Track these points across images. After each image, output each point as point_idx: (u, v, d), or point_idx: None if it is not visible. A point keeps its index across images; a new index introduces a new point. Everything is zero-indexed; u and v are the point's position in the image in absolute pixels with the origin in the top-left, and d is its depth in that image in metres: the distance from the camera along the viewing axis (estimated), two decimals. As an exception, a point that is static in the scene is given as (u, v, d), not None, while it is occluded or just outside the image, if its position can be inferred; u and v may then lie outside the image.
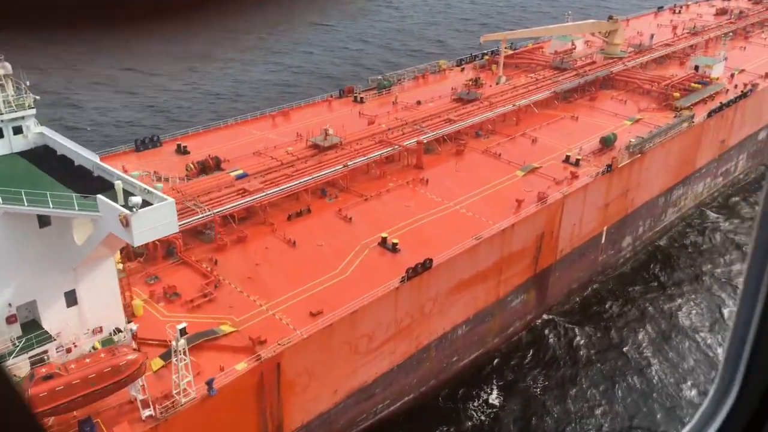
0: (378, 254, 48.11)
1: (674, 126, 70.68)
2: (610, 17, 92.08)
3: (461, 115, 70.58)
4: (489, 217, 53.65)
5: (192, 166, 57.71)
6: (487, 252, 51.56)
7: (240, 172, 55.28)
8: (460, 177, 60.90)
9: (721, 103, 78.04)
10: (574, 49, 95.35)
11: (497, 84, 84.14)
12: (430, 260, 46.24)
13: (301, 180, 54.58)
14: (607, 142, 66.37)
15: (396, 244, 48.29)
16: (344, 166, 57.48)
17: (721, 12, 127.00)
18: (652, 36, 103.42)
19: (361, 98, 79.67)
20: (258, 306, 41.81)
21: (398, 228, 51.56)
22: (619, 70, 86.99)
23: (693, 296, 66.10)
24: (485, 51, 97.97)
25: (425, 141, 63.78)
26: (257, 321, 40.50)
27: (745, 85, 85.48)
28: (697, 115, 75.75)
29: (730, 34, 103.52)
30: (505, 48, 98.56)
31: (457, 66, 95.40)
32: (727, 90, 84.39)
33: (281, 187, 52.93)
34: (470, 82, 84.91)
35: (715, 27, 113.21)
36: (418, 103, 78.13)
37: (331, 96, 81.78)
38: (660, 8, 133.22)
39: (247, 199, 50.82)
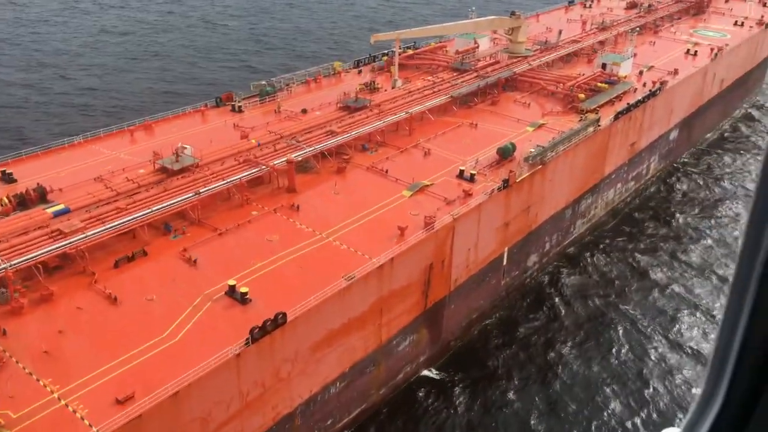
0: (223, 308, 39.30)
1: (578, 131, 64.79)
2: (513, 13, 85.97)
3: (346, 126, 62.41)
4: (367, 250, 45.71)
5: (7, 200, 47.19)
6: (362, 293, 43.61)
7: (60, 207, 45.19)
8: (338, 201, 52.73)
9: (628, 104, 72.96)
10: (477, 48, 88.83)
11: (393, 88, 76.51)
12: (284, 314, 37.83)
13: (137, 215, 45.02)
14: (505, 153, 59.66)
15: (246, 293, 39.59)
16: (196, 194, 48.28)
17: (631, 5, 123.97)
18: (559, 32, 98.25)
19: (239, 107, 70.46)
20: (49, 393, 32.31)
21: (255, 270, 42.87)
22: (523, 70, 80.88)
23: (592, 326, 60.35)
24: (385, 51, 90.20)
25: (300, 158, 55.33)
26: (43, 415, 31.05)
27: (654, 83, 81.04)
28: (604, 117, 70.38)
29: (638, 29, 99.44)
30: (407, 48, 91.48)
31: (355, 68, 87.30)
32: (636, 89, 79.66)
33: (107, 226, 43.19)
34: (364, 87, 77.10)
35: (624, 21, 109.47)
36: (304, 111, 69.60)
37: (206, 105, 72.11)
38: (571, 2, 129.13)
39: (59, 244, 40.89)
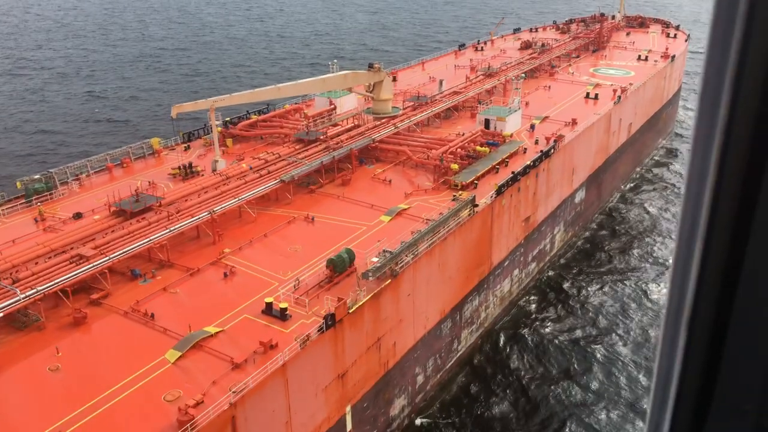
0: None
1: (446, 219, 47.65)
2: (371, 66, 69.35)
3: (111, 243, 43.11)
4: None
5: None
6: None
7: None
8: (53, 384, 32.93)
9: (513, 172, 56.66)
10: (334, 109, 71.90)
11: (213, 171, 58.08)
12: None
13: None
14: (337, 267, 41.60)
15: None
16: None
17: (526, 45, 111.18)
18: (440, 82, 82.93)
19: (-14, 218, 50.43)
20: None
21: None
22: (385, 135, 63.94)
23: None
24: (226, 119, 71.68)
25: (2, 313, 35.58)
26: None
27: (548, 139, 65.71)
28: (485, 192, 53.85)
29: (523, 75, 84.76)
30: (255, 112, 73.96)
31: (183, 143, 68.58)
32: (526, 149, 64.00)
33: None
34: (178, 171, 58.70)
35: (515, 64, 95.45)
36: (77, 216, 50.31)
37: (-58, 218, 51.62)
38: (462, 46, 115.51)
39: None
